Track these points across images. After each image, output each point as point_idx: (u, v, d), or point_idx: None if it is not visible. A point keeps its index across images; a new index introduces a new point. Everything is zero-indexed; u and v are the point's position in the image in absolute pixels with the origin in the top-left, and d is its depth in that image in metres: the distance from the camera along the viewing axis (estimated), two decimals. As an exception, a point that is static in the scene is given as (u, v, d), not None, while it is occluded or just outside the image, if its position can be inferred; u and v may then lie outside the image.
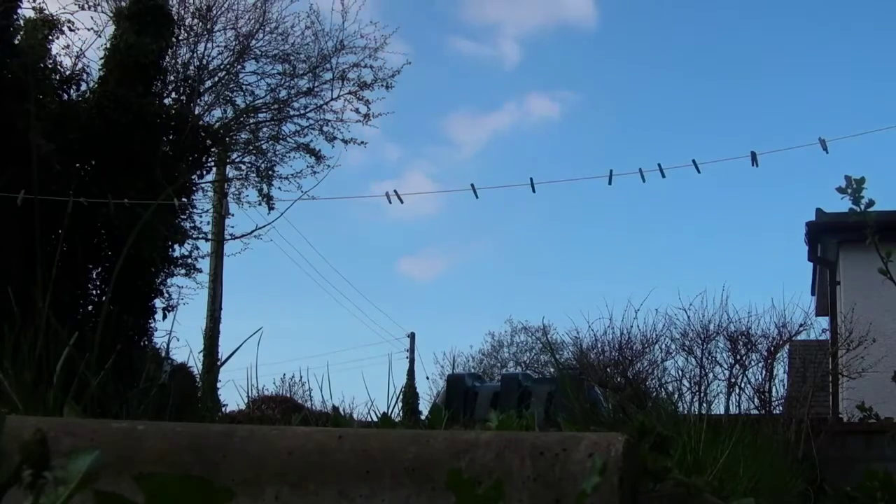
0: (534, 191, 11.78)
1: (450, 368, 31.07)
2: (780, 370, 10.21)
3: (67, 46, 15.30)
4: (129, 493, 1.01)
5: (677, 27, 48.47)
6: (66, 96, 14.00)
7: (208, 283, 19.45)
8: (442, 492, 1.50)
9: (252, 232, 18.98)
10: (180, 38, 16.68)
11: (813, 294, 14.67)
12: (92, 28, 15.44)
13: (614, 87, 49.60)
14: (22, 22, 13.39)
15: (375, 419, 2.78)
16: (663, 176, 11.12)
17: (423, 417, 3.62)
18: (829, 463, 8.81)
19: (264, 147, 19.26)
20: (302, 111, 19.13)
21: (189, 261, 16.59)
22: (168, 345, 7.14)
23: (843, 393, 11.38)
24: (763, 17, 46.54)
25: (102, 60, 14.16)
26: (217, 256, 20.11)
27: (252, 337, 3.15)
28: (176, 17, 15.87)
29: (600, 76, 50.65)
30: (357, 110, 18.89)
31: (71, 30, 14.62)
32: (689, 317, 9.80)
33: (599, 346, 10.14)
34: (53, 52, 14.24)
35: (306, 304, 53.25)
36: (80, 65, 14.90)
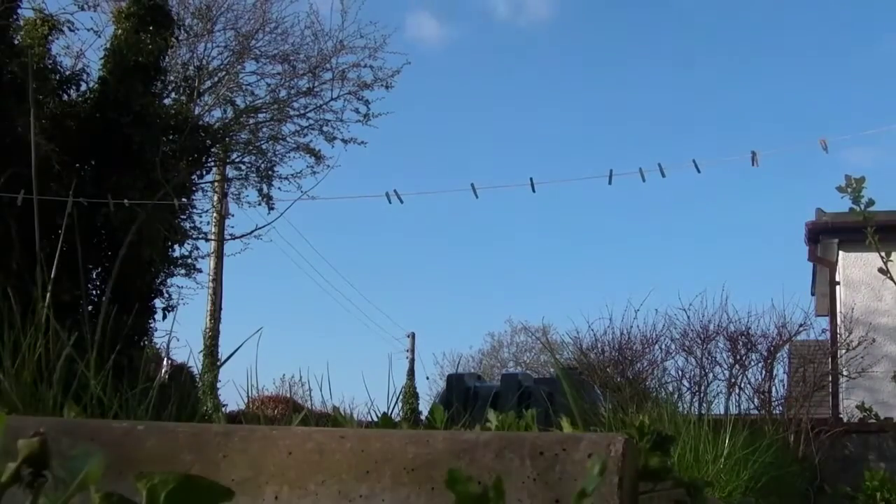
0: (534, 191, 11.77)
1: (450, 368, 31.09)
2: (780, 370, 10.22)
3: (67, 46, 15.29)
4: (129, 493, 1.01)
5: (676, 26, 48.51)
6: (66, 96, 13.99)
7: (208, 283, 19.45)
8: (442, 492, 1.50)
9: (252, 232, 18.98)
10: (180, 38, 16.67)
11: (813, 294, 14.67)
12: (92, 28, 15.44)
13: (613, 85, 49.64)
14: (22, 22, 13.38)
15: (375, 419, 2.78)
16: (663, 176, 11.12)
17: (423, 417, 3.61)
18: (828, 463, 8.81)
19: (264, 147, 19.25)
20: (302, 111, 19.13)
21: (189, 261, 16.59)
22: (168, 345, 7.16)
23: (843, 393, 11.38)
24: (763, 15, 46.58)
25: (102, 60, 14.15)
26: (217, 256, 20.11)
27: (252, 337, 3.15)
28: (176, 17, 15.86)
29: (599, 74, 50.70)
30: (357, 110, 18.90)
31: (71, 30, 14.61)
32: (688, 317, 9.82)
33: (599, 346, 10.15)
34: (53, 52, 14.23)
35: (306, 304, 53.26)
36: (80, 65, 14.91)
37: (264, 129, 19.42)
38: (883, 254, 4.06)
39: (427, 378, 42.51)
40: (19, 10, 13.14)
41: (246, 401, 3.09)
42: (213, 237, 19.44)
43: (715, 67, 49.48)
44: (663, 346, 9.95)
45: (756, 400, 9.48)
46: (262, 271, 54.20)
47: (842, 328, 11.28)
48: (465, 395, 10.93)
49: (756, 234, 50.39)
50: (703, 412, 5.13)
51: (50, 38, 13.82)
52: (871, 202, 4.00)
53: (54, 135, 12.60)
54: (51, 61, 13.91)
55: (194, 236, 16.82)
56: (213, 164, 18.54)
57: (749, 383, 9.57)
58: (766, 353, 9.74)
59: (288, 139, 19.28)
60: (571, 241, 53.50)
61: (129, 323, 11.61)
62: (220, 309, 19.92)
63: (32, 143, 8.77)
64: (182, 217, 15.50)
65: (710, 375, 9.52)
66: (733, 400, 9.16)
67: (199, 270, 17.50)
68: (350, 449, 1.66)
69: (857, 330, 10.60)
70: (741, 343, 9.69)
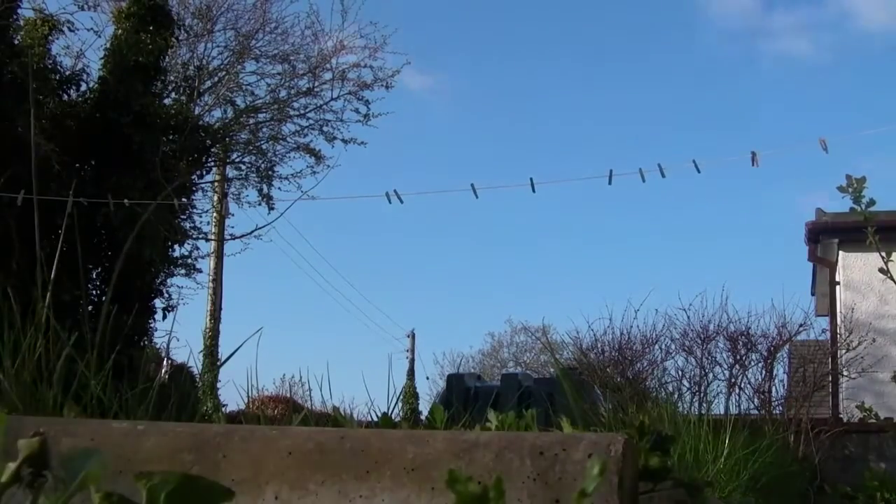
0: (534, 191, 11.76)
1: (450, 368, 31.10)
2: (780, 370, 10.22)
3: (67, 46, 15.29)
4: (129, 493, 1.01)
5: (676, 26, 48.53)
6: (66, 96, 13.98)
7: (208, 283, 19.45)
8: (442, 492, 1.50)
9: (252, 232, 18.98)
10: (180, 38, 16.66)
11: (813, 294, 14.66)
12: (92, 28, 15.44)
13: (613, 85, 49.65)
14: (22, 22, 13.38)
15: (375, 419, 2.78)
16: (663, 176, 11.11)
17: (423, 417, 3.61)
18: (828, 463, 8.81)
19: (264, 147, 19.25)
20: (302, 111, 19.13)
21: (189, 261, 16.58)
22: (168, 345, 7.16)
23: (843, 393, 11.38)
24: (762, 14, 46.56)
25: (102, 60, 14.15)
26: (217, 256, 20.11)
27: (252, 337, 3.15)
28: (176, 17, 15.85)
29: (599, 74, 50.70)
30: (357, 110, 18.90)
31: (71, 30, 14.61)
32: (688, 317, 9.82)
33: (599, 346, 10.15)
34: (53, 52, 14.23)
35: (306, 304, 53.27)
36: (80, 65, 14.90)
37: (264, 129, 19.42)
38: (883, 254, 4.06)
39: (427, 378, 42.51)
40: (19, 10, 13.14)
41: (246, 401, 3.09)
42: (213, 237, 19.44)
43: (715, 66, 49.49)
44: (663, 347, 9.96)
45: (756, 400, 9.48)
46: (262, 271, 54.23)
47: (842, 328, 11.28)
48: (465, 395, 10.92)
49: (756, 234, 50.45)
50: (703, 412, 5.13)
51: (50, 38, 13.81)
52: (871, 202, 4.00)
53: (54, 135, 12.59)
54: (51, 61, 13.90)
55: (194, 236, 16.82)
56: (213, 164, 18.54)
57: (749, 383, 9.58)
58: (766, 353, 9.74)
59: (288, 139, 19.28)
60: (571, 241, 53.53)
61: (129, 323, 11.60)
62: (220, 309, 19.92)
63: (32, 143, 8.77)
64: (182, 217, 15.50)
65: (710, 375, 9.52)
66: (733, 400, 9.16)
67: (199, 270, 17.50)
68: (350, 449, 1.66)
69: (857, 330, 10.60)
70: (741, 343, 9.69)
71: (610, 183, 11.18)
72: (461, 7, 50.22)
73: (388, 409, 3.01)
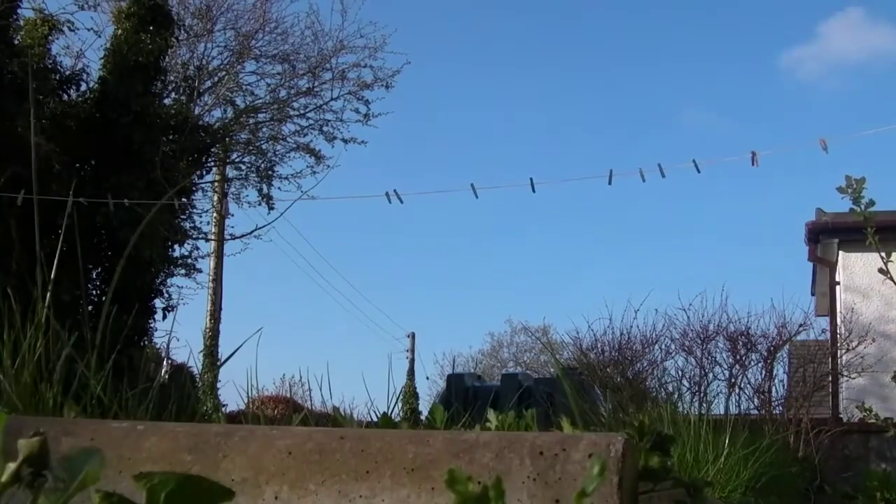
0: (534, 190, 11.75)
1: (450, 368, 31.09)
2: (780, 370, 10.21)
3: (67, 46, 15.29)
4: (129, 493, 1.01)
5: (677, 25, 48.54)
6: (66, 96, 13.98)
7: (208, 283, 19.44)
8: (442, 492, 1.50)
9: (252, 232, 18.99)
10: (180, 38, 16.66)
11: (813, 294, 14.66)
12: (92, 28, 15.44)
13: (612, 85, 49.65)
14: (22, 22, 13.38)
15: (375, 419, 2.78)
16: (663, 176, 11.10)
17: (423, 417, 3.61)
18: (828, 463, 8.81)
19: (264, 147, 19.25)
20: (302, 111, 19.13)
21: (189, 261, 16.59)
22: (168, 345, 7.16)
23: (843, 393, 11.38)
24: (767, 15, 46.59)
25: (102, 60, 14.15)
26: (217, 256, 20.11)
27: (252, 337, 3.15)
28: (176, 17, 15.85)
29: (600, 74, 50.72)
30: (357, 110, 18.91)
31: (71, 30, 14.61)
32: (688, 317, 9.81)
33: (599, 346, 10.15)
34: (53, 52, 14.23)
35: (307, 304, 53.26)
36: (80, 65, 14.90)
37: (264, 129, 19.42)
38: (883, 254, 4.07)
39: (427, 378, 42.49)
40: (19, 10, 13.14)
41: (246, 401, 3.09)
42: (213, 237, 19.44)
43: (716, 64, 49.50)
44: (663, 347, 9.95)
45: (756, 400, 9.48)
46: (263, 271, 54.22)
47: (842, 328, 11.28)
48: (465, 395, 10.93)
49: (756, 234, 50.46)
50: (703, 412, 5.13)
51: (50, 38, 13.81)
52: (871, 202, 4.00)
53: (54, 135, 12.59)
54: (51, 61, 13.90)
55: (194, 236, 16.82)
56: (213, 164, 18.55)
57: (749, 383, 9.57)
58: (766, 353, 9.74)
59: (288, 139, 19.29)
60: (571, 241, 53.53)
61: (129, 323, 11.59)
62: (220, 309, 19.92)
63: (32, 143, 8.77)
64: (182, 217, 15.50)
65: (710, 375, 9.52)
66: (733, 400, 9.15)
67: (199, 270, 17.51)
68: (350, 449, 1.66)
69: (857, 330, 10.60)
70: (741, 343, 9.69)
71: (610, 183, 11.17)
72: (460, 8, 50.23)
73: (388, 409, 3.01)
